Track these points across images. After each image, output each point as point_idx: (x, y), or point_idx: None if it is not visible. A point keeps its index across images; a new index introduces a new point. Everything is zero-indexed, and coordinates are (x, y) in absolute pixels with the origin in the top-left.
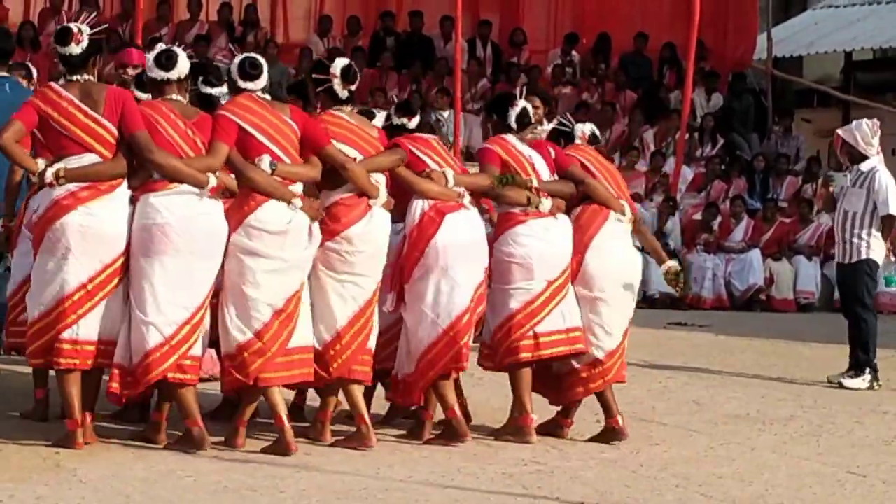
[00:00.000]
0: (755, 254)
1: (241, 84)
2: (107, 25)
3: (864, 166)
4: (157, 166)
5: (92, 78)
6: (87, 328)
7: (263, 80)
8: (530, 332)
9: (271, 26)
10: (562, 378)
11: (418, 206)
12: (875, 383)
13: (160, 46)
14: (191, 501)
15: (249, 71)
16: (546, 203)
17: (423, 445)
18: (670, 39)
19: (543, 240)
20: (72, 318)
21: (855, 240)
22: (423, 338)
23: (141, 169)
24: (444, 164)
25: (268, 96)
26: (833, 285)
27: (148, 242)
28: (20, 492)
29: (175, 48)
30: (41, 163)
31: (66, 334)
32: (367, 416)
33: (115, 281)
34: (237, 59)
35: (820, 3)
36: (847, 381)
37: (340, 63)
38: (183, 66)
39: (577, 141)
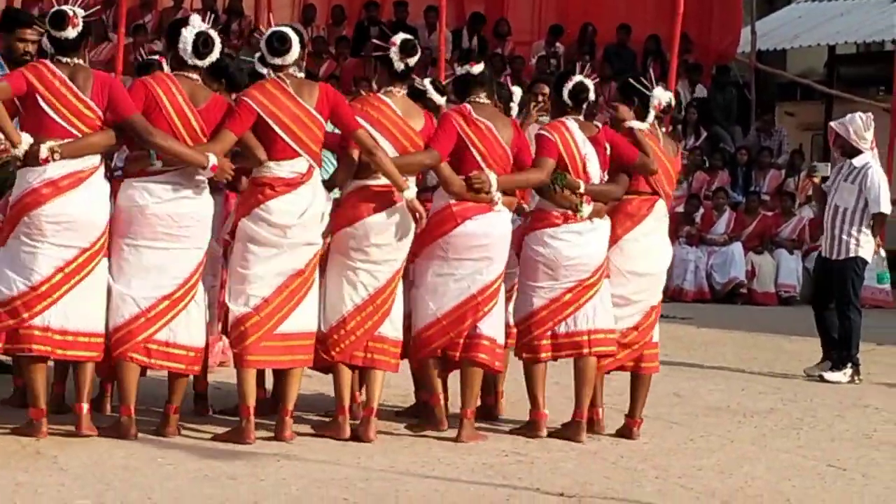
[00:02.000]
0: (737, 247)
1: (270, 59)
2: (98, 7)
3: (857, 161)
4: (157, 147)
5: (81, 62)
6: (61, 316)
7: (294, 54)
8: (549, 332)
9: (255, 15)
10: None
11: (444, 198)
12: (856, 377)
13: (193, 28)
14: (171, 489)
15: (278, 46)
16: (587, 209)
17: (403, 435)
18: (654, 32)
19: (574, 244)
20: (46, 303)
21: (845, 236)
22: (417, 319)
23: (140, 154)
24: (488, 156)
25: (301, 73)
26: None
27: (128, 224)
28: None
29: (211, 32)
30: (27, 137)
31: (37, 321)
32: (346, 408)
33: (93, 265)
34: (266, 34)
35: None
36: (828, 375)
37: (401, 35)
38: (215, 55)
39: (651, 112)
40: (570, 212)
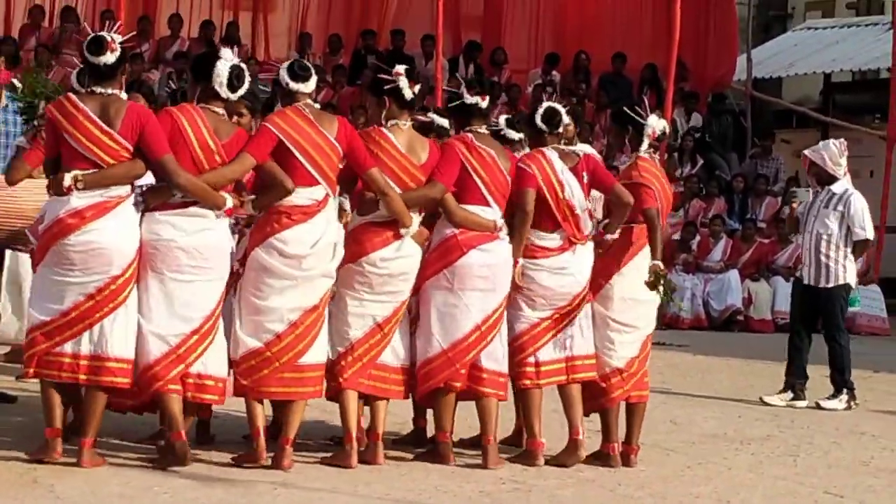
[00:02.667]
0: (733, 274)
1: (293, 86)
2: (133, 33)
3: (837, 188)
4: (182, 189)
5: (117, 92)
6: (92, 343)
7: (312, 84)
8: (531, 359)
9: (252, 43)
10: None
11: (448, 227)
12: (853, 402)
13: (227, 61)
14: None
15: (299, 72)
16: (588, 224)
17: (401, 462)
18: (650, 60)
19: (556, 274)
20: (76, 329)
21: (831, 263)
22: (421, 351)
23: (162, 186)
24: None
25: (317, 105)
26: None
27: (152, 258)
28: None
29: (242, 66)
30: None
31: (67, 347)
32: (354, 436)
33: (126, 292)
34: (286, 63)
35: (799, 25)
36: (825, 403)
37: (401, 66)
38: (245, 88)
39: (645, 140)
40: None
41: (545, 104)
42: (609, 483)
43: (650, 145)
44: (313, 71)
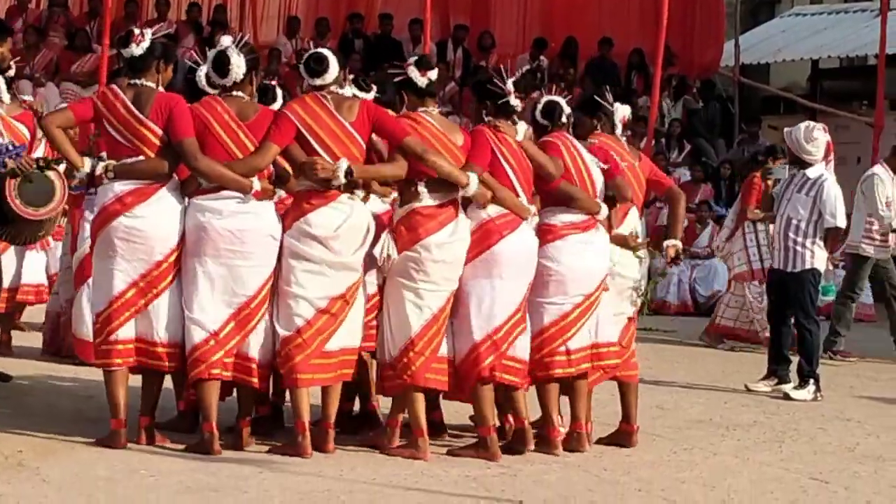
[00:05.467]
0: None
1: (310, 81)
2: (171, 31)
3: (812, 173)
4: (201, 174)
5: (152, 84)
6: (142, 327)
7: (332, 74)
8: (562, 348)
9: (240, 27)
10: None
11: (480, 213)
12: (818, 394)
13: (222, 47)
14: (153, 501)
15: (315, 67)
16: (604, 210)
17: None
18: (638, 45)
19: (581, 256)
20: (125, 316)
21: (799, 248)
22: (466, 339)
23: (190, 176)
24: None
25: (344, 90)
26: None
27: (194, 243)
28: None
29: (230, 52)
30: (88, 160)
31: (120, 334)
32: (425, 429)
33: (169, 278)
34: (304, 57)
35: (787, 11)
36: (794, 394)
37: (413, 56)
38: (237, 72)
39: (619, 126)
40: (590, 216)
41: (544, 98)
42: (595, 468)
43: (622, 133)
44: (331, 61)
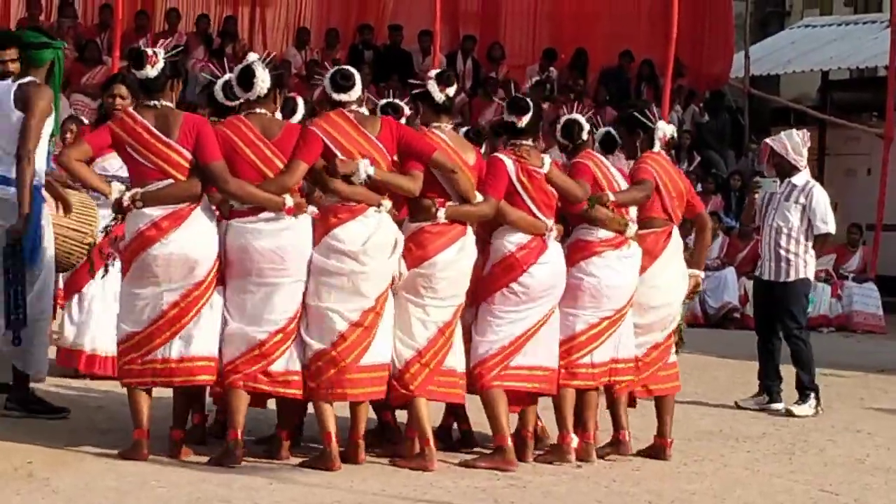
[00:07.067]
0: (730, 272)
1: (336, 97)
2: (182, 47)
3: (798, 180)
4: (232, 196)
5: (169, 104)
6: (180, 345)
7: (357, 92)
8: (587, 359)
9: (249, 38)
10: None
11: (503, 247)
12: (818, 408)
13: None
14: None
15: (341, 83)
16: (633, 228)
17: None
18: (648, 56)
19: (616, 271)
20: (164, 336)
21: (791, 257)
22: (481, 352)
23: (221, 199)
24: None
25: (364, 109)
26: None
27: (236, 264)
28: None
29: (255, 66)
30: (116, 187)
31: (157, 354)
32: (431, 438)
33: (208, 295)
34: (329, 73)
35: (797, 23)
36: (797, 410)
37: (435, 70)
38: (262, 86)
39: (657, 144)
40: (618, 234)
41: (564, 118)
42: (604, 479)
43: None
44: (357, 78)
